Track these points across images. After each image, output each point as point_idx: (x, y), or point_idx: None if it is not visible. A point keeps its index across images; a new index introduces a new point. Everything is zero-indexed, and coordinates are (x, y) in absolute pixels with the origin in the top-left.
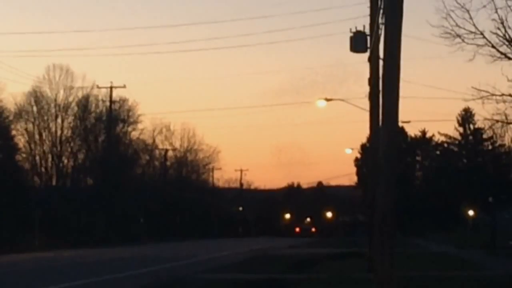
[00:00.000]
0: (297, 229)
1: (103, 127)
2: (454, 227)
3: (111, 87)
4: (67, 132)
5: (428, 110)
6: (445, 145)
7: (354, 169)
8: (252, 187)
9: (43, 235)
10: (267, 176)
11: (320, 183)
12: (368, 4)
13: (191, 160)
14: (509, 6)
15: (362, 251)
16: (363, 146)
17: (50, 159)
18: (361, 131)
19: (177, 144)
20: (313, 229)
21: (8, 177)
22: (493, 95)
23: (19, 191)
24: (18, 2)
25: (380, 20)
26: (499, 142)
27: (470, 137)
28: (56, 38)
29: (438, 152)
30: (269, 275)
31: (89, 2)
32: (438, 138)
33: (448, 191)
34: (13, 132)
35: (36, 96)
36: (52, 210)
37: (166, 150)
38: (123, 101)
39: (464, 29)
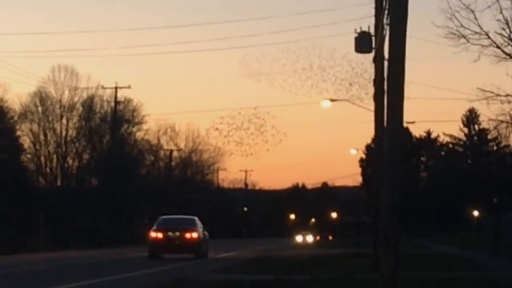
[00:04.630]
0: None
1: (108, 127)
2: (459, 228)
3: (116, 88)
4: (72, 133)
5: (433, 110)
6: (450, 145)
7: (359, 170)
8: (257, 187)
9: (48, 236)
10: (271, 176)
11: (324, 184)
12: (373, 5)
13: (196, 160)
14: None
15: (366, 251)
16: (368, 147)
17: (55, 159)
18: (366, 132)
19: (182, 145)
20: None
21: (13, 178)
22: (498, 95)
23: (24, 191)
24: (22, 2)
25: (385, 21)
26: (504, 143)
27: (475, 138)
28: (61, 38)
29: (443, 153)
30: (274, 276)
31: (94, 3)
32: (443, 138)
33: (453, 192)
34: (18, 133)
35: (41, 97)
36: (57, 211)
37: (171, 151)
38: (128, 101)
39: (469, 29)
